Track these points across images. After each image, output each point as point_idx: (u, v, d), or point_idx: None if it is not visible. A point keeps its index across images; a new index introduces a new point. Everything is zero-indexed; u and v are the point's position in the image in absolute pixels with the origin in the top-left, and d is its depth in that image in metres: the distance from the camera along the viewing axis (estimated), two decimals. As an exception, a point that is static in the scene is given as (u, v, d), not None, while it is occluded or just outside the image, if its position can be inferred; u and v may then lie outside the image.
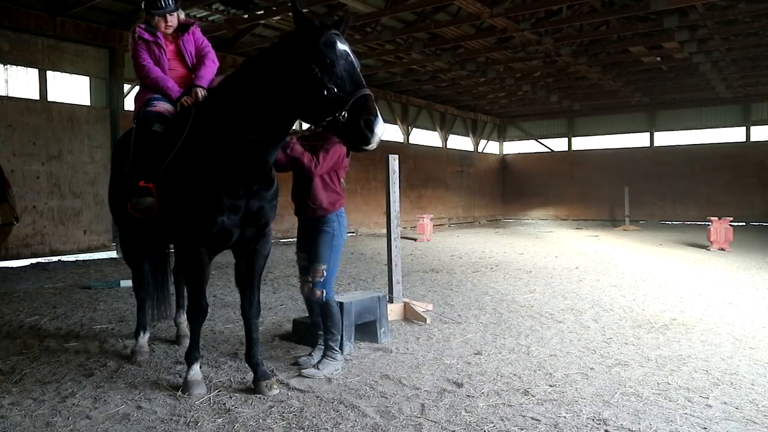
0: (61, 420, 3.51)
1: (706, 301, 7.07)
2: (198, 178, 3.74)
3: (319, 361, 4.38)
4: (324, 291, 4.42)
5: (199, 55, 4.58)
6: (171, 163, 3.89)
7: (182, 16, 4.66)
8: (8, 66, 11.27)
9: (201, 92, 4.18)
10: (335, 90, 3.31)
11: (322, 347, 4.55)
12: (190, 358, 4.02)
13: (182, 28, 4.61)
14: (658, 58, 16.44)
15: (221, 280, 8.72)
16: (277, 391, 3.91)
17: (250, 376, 4.07)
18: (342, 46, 3.41)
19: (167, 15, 4.46)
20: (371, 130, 3.27)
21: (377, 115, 3.28)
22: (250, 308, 4.10)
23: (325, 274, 4.41)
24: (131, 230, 4.80)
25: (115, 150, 4.83)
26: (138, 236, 4.85)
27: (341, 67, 3.36)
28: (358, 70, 3.45)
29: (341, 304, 4.87)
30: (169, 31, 4.53)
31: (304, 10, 10.96)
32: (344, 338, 4.84)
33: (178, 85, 4.38)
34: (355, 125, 3.28)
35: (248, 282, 4.12)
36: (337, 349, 4.44)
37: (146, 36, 4.44)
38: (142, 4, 4.53)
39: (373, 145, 3.34)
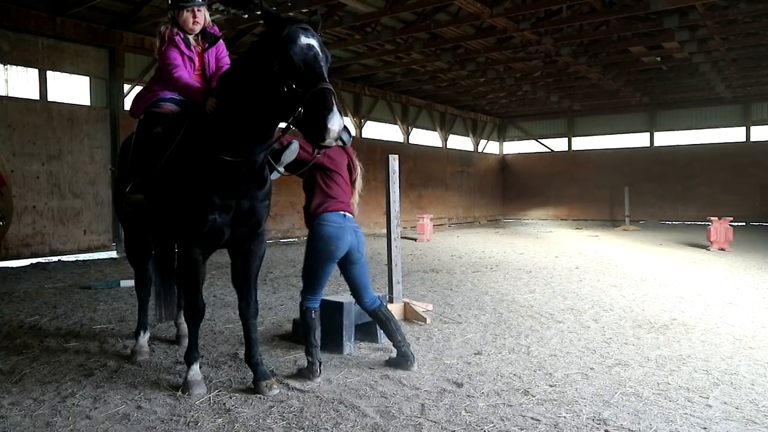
0: (61, 420, 3.51)
1: (706, 301, 7.06)
2: (190, 176, 3.76)
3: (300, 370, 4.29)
4: (302, 297, 4.35)
5: (218, 66, 4.53)
6: (166, 161, 3.93)
7: (208, 17, 4.49)
8: (8, 66, 11.27)
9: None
10: (293, 85, 3.19)
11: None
12: (190, 358, 4.02)
13: (210, 39, 4.46)
14: (658, 58, 16.44)
15: (221, 280, 8.71)
16: (277, 391, 3.90)
17: (250, 376, 4.07)
18: (305, 40, 3.26)
19: (195, 9, 4.30)
20: (324, 126, 3.09)
21: (331, 110, 3.10)
22: (247, 308, 4.10)
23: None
24: (136, 230, 4.83)
25: (121, 150, 4.84)
26: (142, 236, 4.87)
27: (300, 61, 3.21)
28: (323, 63, 3.28)
29: (341, 305, 4.87)
30: (197, 28, 4.36)
31: (304, 10, 11.02)
32: (344, 338, 4.85)
33: None
34: (309, 121, 3.16)
35: (245, 282, 4.11)
36: (314, 360, 4.16)
37: (183, 47, 4.28)
38: (169, 1, 4.34)
39: (330, 141, 3.16)
